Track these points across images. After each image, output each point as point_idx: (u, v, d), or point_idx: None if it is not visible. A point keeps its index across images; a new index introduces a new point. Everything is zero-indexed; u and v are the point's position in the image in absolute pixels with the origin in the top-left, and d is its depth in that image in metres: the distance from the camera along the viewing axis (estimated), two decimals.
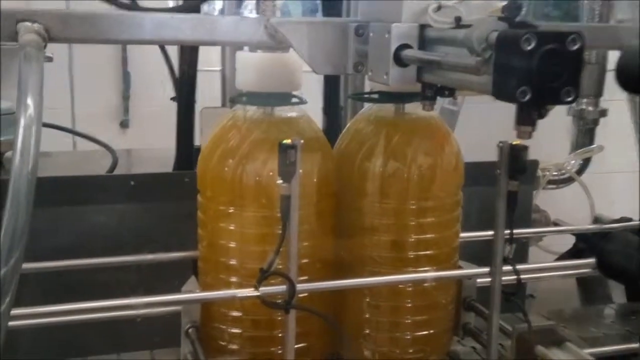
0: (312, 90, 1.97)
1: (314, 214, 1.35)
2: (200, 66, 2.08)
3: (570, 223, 2.23)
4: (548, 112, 0.92)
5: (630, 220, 1.91)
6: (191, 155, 2.03)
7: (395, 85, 1.11)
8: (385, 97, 1.43)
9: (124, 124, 4.70)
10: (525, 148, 1.27)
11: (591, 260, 1.58)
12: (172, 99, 2.06)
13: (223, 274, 1.36)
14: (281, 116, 1.39)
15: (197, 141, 2.07)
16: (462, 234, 1.55)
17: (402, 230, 1.41)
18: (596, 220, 2.03)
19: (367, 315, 1.45)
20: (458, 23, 1.04)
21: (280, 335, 1.32)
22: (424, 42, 1.09)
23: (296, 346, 1.25)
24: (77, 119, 4.51)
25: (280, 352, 1.32)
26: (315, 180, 1.36)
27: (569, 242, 2.20)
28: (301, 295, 1.26)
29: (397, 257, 1.42)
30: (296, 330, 1.25)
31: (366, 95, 1.53)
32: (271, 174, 1.27)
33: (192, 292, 1.41)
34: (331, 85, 2.14)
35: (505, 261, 1.36)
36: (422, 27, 1.09)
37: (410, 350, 1.47)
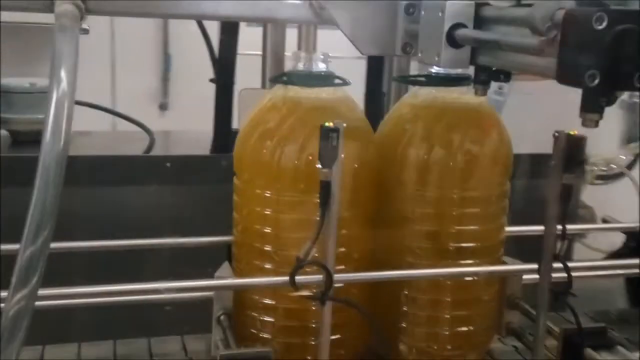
0: (353, 75, 1.90)
1: (353, 201, 1.29)
2: (241, 49, 2.04)
3: (620, 220, 2.13)
4: (617, 98, 0.84)
5: None
6: (229, 137, 1.99)
7: (447, 66, 1.04)
8: (433, 80, 1.35)
9: (163, 106, 4.69)
10: (583, 138, 1.19)
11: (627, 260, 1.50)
12: (211, 80, 2.02)
13: (257, 260, 1.32)
14: (323, 98, 1.33)
15: (235, 124, 2.03)
16: (509, 228, 1.47)
17: (444, 220, 1.35)
18: None
19: (404, 308, 1.39)
20: (519, 0, 0.96)
21: (313, 325, 1.27)
22: (480, 21, 1.02)
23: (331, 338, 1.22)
24: (117, 99, 4.51)
25: (313, 343, 1.27)
26: (355, 166, 1.30)
27: (616, 240, 2.11)
28: (336, 285, 1.21)
29: (437, 249, 1.35)
30: (331, 321, 1.21)
31: (412, 78, 1.46)
32: (310, 158, 1.22)
33: (224, 278, 1.36)
34: (374, 69, 2.08)
35: (556, 258, 1.28)
36: (479, 5, 1.02)
37: (449, 347, 1.40)
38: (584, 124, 0.85)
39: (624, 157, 2.64)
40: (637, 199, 2.26)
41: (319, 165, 1.11)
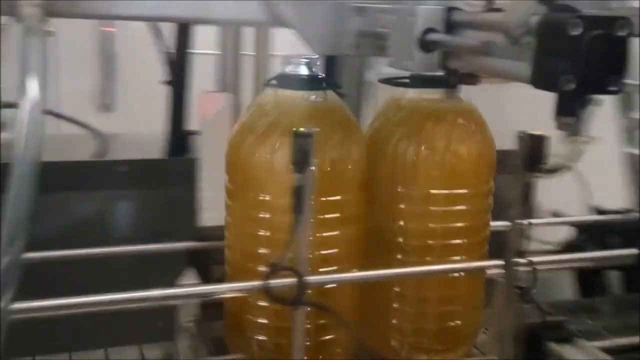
0: None
1: (344, 202, 1.30)
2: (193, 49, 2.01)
3: (568, 213, 2.19)
4: (590, 102, 0.87)
5: (631, 211, 1.89)
6: (184, 140, 1.96)
7: (419, 71, 1.05)
8: (417, 82, 1.38)
9: (107, 107, 4.57)
10: (546, 138, 1.23)
11: (594, 253, 1.55)
12: (164, 82, 1.99)
13: (251, 262, 1.30)
14: (313, 101, 1.33)
15: (189, 126, 2.00)
16: None
17: (431, 218, 1.37)
18: (598, 211, 2.00)
19: (395, 305, 1.41)
20: (490, 6, 0.98)
21: (308, 326, 1.27)
22: (451, 25, 1.03)
23: (324, 338, 1.26)
24: (60, 101, 4.36)
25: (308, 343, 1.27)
26: (345, 168, 1.31)
27: (560, 232, 2.17)
28: (329, 285, 1.23)
29: (424, 246, 1.38)
30: (323, 322, 1.24)
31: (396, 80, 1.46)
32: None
33: (192, 286, 1.35)
34: (330, 69, 2.08)
35: (520, 254, 1.31)
36: (450, 10, 1.03)
37: (437, 341, 1.42)
38: (559, 128, 0.87)
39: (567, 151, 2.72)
40: (576, 192, 2.34)
41: (293, 171, 1.11)
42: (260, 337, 1.30)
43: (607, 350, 1.46)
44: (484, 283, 1.46)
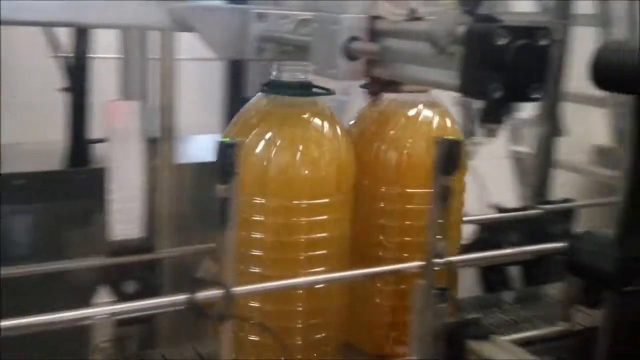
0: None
1: (332, 204, 1.35)
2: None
3: (468, 212, 2.27)
4: (514, 109, 0.90)
5: (531, 208, 1.99)
6: (85, 150, 1.87)
7: (344, 79, 1.05)
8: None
9: None
10: (460, 143, 1.26)
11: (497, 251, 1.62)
12: (63, 89, 1.88)
13: (244, 264, 1.32)
14: (303, 107, 1.37)
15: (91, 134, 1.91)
16: None
17: (407, 215, 1.45)
18: (498, 209, 2.08)
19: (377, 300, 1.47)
20: (412, 15, 1.00)
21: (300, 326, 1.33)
22: (375, 34, 1.04)
23: (315, 336, 1.33)
24: None
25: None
26: (334, 170, 1.36)
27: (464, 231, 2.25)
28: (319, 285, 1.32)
29: (402, 243, 1.47)
30: (314, 321, 1.32)
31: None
32: (293, 166, 1.32)
33: (107, 304, 1.28)
34: (233, 73, 2.06)
35: (438, 256, 1.35)
36: (373, 19, 1.04)
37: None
38: (485, 135, 0.90)
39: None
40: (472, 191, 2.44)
41: (218, 182, 1.08)
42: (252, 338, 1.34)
43: (519, 343, 1.53)
44: None
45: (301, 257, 1.34)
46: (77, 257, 1.48)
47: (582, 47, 2.07)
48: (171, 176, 1.70)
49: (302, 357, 1.36)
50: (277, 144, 1.29)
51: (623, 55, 0.80)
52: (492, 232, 2.06)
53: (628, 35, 2.46)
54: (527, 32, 0.84)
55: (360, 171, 1.42)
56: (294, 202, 1.30)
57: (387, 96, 1.44)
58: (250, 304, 1.33)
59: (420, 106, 1.46)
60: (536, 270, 2.03)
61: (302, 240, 1.32)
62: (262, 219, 1.30)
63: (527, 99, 0.87)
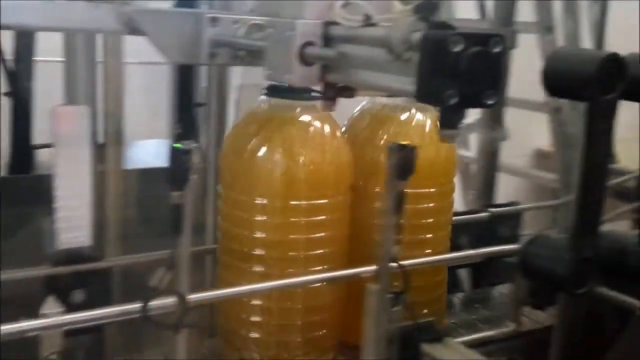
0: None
1: (330, 204, 1.40)
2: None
3: None
4: (467, 115, 0.91)
5: (480, 211, 2.02)
6: (29, 156, 1.81)
7: (298, 84, 1.05)
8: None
9: None
10: (414, 149, 1.27)
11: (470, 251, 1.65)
12: (5, 93, 1.82)
13: (246, 264, 1.37)
14: (302, 110, 1.41)
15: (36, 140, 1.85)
16: None
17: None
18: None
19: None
20: (367, 21, 1.00)
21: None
22: (330, 40, 1.04)
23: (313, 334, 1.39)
24: None
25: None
26: (332, 172, 1.40)
27: None
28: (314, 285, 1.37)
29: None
30: (311, 319, 1.38)
31: None
32: (293, 168, 1.36)
33: (55, 315, 1.24)
34: (183, 78, 2.03)
35: (393, 260, 1.35)
36: (328, 25, 1.04)
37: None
38: (443, 140, 0.91)
39: None
40: None
41: (172, 189, 1.06)
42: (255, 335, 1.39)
43: (471, 345, 1.56)
44: None
45: (301, 256, 1.39)
46: (22, 267, 1.43)
47: (520, 53, 2.13)
48: (119, 182, 1.66)
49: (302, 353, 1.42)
50: (278, 146, 1.34)
51: (573, 63, 0.83)
52: None
53: (567, 42, 2.53)
54: (481, 39, 0.85)
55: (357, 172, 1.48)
56: (294, 202, 1.35)
57: (379, 100, 1.49)
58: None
59: (413, 110, 1.51)
60: (484, 272, 2.06)
61: (302, 239, 1.37)
62: (263, 219, 1.34)
63: (482, 105, 0.88)
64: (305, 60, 1.04)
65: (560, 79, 0.83)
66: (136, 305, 1.10)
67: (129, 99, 1.83)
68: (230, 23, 1.21)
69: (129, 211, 1.77)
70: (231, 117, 1.78)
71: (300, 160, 1.36)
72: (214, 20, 1.21)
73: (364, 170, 1.48)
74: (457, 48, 0.84)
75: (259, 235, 1.34)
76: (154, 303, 1.10)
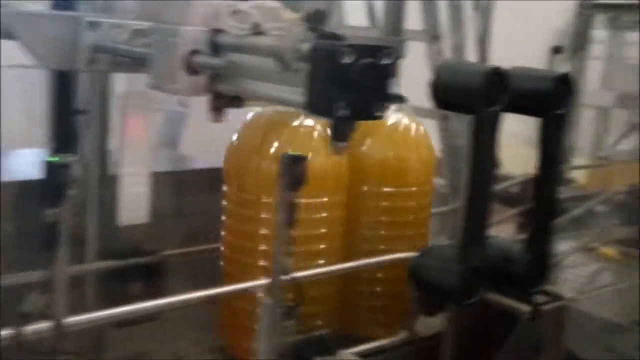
0: None
1: (329, 203, 1.49)
2: None
3: None
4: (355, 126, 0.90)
5: None
6: None
7: (185, 94, 1.00)
8: None
9: None
10: (305, 159, 1.24)
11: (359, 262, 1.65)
12: None
13: (251, 259, 1.45)
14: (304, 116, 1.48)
15: None
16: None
17: (389, 211, 1.57)
18: None
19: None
20: (256, 30, 0.96)
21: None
22: (217, 48, 1.00)
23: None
24: None
25: None
26: (327, 174, 1.48)
27: None
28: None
29: (385, 236, 1.59)
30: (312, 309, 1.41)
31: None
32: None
33: None
34: (61, 84, 1.90)
35: (285, 273, 1.32)
36: (215, 32, 1.00)
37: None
38: (334, 152, 0.89)
39: None
40: None
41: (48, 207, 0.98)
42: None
43: (365, 355, 1.55)
44: None
45: (302, 250, 1.43)
46: None
47: (411, 60, 2.16)
48: None
49: None
50: (282, 149, 1.42)
51: (460, 77, 0.83)
52: None
53: (454, 51, 2.60)
54: (371, 50, 0.84)
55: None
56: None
57: None
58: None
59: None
60: None
61: (303, 235, 1.41)
62: (268, 216, 1.43)
63: (372, 117, 0.87)
64: (192, 69, 0.99)
65: (448, 93, 0.83)
66: (10, 332, 1.01)
67: (4, 104, 1.70)
68: (112, 28, 1.14)
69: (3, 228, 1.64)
70: (116, 126, 1.69)
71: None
72: (94, 25, 1.14)
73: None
74: (348, 60, 0.82)
75: (264, 231, 1.43)
76: (29, 329, 1.01)
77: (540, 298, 1.63)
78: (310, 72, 0.84)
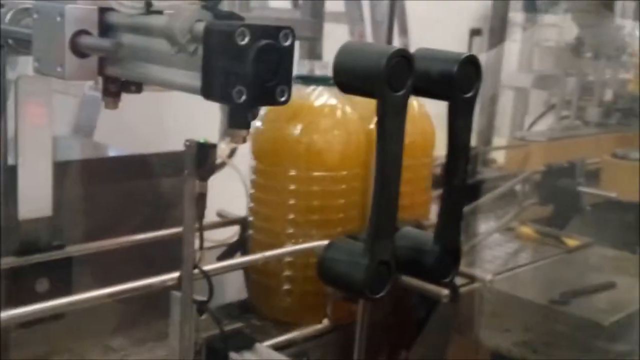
0: None
1: (349, 176, 1.62)
2: None
3: (230, 212, 2.22)
4: (259, 112, 0.85)
5: None
6: None
7: (72, 78, 0.92)
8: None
9: None
10: (214, 147, 1.18)
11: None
12: None
13: (279, 228, 1.59)
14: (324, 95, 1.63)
15: None
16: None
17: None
18: None
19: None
20: (148, 8, 0.89)
21: None
22: (107, 28, 0.92)
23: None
24: None
25: None
26: (347, 149, 1.62)
27: (228, 231, 2.19)
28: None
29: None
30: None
31: None
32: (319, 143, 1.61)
33: None
34: None
35: (195, 267, 1.26)
36: (103, 11, 0.92)
37: None
38: (233, 141, 0.83)
39: (224, 147, 2.78)
40: (234, 188, 2.40)
41: None
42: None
43: (283, 346, 1.52)
44: None
45: (324, 219, 1.59)
46: None
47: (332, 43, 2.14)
48: None
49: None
50: (306, 126, 1.59)
51: (361, 59, 0.79)
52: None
53: (374, 34, 2.59)
54: (269, 32, 0.78)
55: None
56: (317, 173, 1.57)
57: None
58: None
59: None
60: None
61: (325, 204, 1.59)
62: (295, 187, 1.57)
63: (274, 102, 0.82)
64: (79, 52, 0.91)
65: (350, 76, 0.79)
66: None
67: None
68: None
69: None
70: (12, 111, 1.58)
71: (323, 139, 1.60)
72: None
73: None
74: (244, 41, 0.76)
75: (292, 202, 1.58)
76: None
77: (459, 281, 1.64)
78: (204, 55, 0.78)
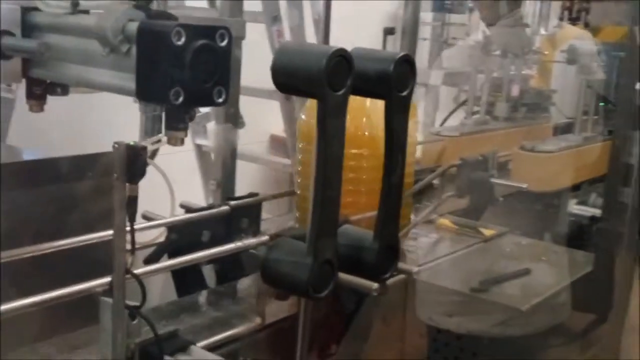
0: None
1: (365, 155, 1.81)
2: None
3: (155, 213, 2.18)
4: (196, 114, 0.84)
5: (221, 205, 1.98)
6: None
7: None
8: None
9: None
10: (144, 148, 1.16)
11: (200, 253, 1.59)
12: None
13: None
14: None
15: None
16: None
17: None
18: (186, 209, 2.03)
19: None
20: (75, 8, 0.87)
21: None
22: (31, 28, 0.89)
23: None
24: None
25: None
26: (366, 133, 1.81)
27: (151, 233, 2.16)
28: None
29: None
30: None
31: None
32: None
33: None
34: None
35: (127, 272, 1.23)
36: (27, 10, 0.89)
37: None
38: (170, 143, 0.82)
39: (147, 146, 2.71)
40: (159, 190, 2.36)
41: None
42: None
43: (217, 347, 1.51)
44: None
45: (349, 189, 1.70)
46: None
47: (251, 41, 2.14)
48: None
49: None
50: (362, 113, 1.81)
51: (301, 60, 0.79)
52: (181, 233, 2.01)
53: (293, 33, 2.60)
54: (205, 32, 0.78)
55: None
56: (352, 151, 1.77)
57: None
58: None
59: None
60: (229, 266, 2.03)
61: (350, 178, 1.75)
62: (353, 163, 1.78)
63: (212, 103, 0.82)
64: (2, 53, 0.87)
65: (289, 76, 0.80)
66: None
67: None
68: None
69: None
70: None
71: (357, 124, 1.80)
72: None
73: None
74: (179, 41, 0.76)
75: (349, 175, 1.72)
76: None
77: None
78: (138, 56, 0.77)
